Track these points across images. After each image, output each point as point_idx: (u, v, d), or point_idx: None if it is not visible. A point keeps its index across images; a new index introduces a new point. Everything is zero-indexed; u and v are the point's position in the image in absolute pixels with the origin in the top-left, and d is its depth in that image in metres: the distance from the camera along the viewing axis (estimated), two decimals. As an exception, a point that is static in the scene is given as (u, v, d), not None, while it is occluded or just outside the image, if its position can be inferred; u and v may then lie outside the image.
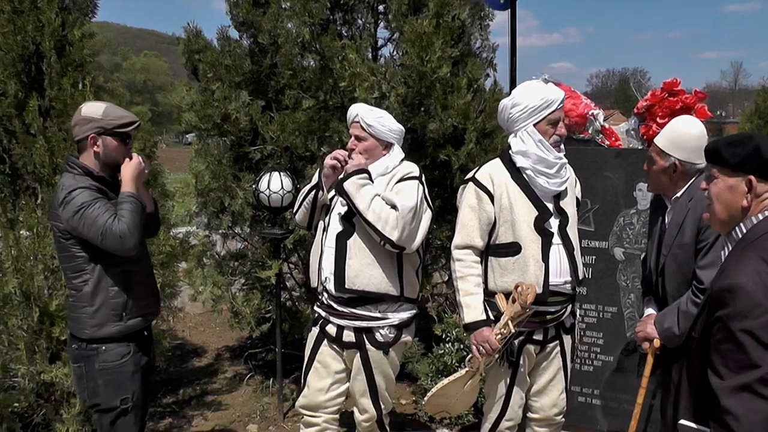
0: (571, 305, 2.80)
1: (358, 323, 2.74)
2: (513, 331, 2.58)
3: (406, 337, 2.83)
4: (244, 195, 4.14)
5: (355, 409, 2.93)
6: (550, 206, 2.66)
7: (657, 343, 2.52)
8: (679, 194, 2.50)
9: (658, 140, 2.53)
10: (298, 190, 3.49)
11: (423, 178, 2.78)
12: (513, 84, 4.63)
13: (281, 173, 3.79)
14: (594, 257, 3.38)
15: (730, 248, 1.68)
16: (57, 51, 3.43)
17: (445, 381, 2.78)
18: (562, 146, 2.68)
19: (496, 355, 2.65)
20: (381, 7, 4.30)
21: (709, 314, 1.57)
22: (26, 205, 3.39)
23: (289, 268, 4.69)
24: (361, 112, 2.78)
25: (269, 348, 4.75)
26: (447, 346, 4.06)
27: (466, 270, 2.67)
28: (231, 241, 4.84)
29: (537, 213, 2.62)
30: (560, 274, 2.64)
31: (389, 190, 2.72)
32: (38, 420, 3.50)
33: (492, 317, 2.64)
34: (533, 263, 2.60)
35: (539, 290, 2.56)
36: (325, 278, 2.77)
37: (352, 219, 2.70)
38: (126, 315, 2.50)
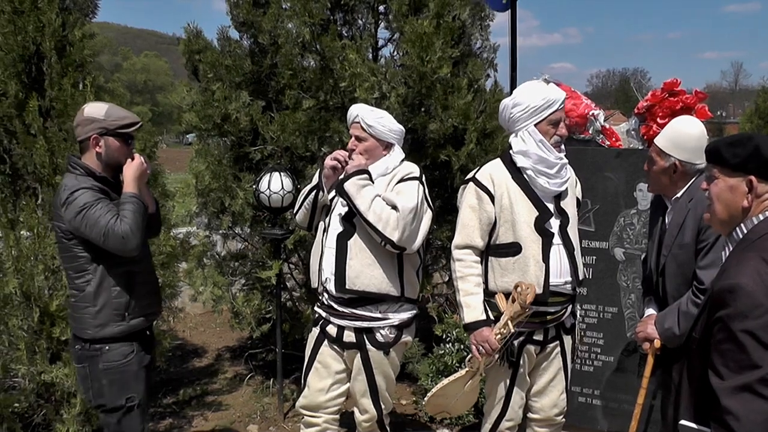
0: (571, 305, 2.80)
1: (358, 323, 2.74)
2: (513, 330, 2.58)
3: (407, 338, 2.84)
4: (245, 195, 4.14)
5: (356, 410, 2.93)
6: (551, 206, 2.66)
7: (657, 343, 2.52)
8: (679, 194, 2.50)
9: (659, 140, 2.53)
10: (298, 191, 3.49)
11: (423, 179, 2.78)
12: (513, 84, 4.62)
13: (281, 173, 3.79)
14: (594, 257, 3.38)
15: (731, 248, 1.68)
16: (57, 51, 3.43)
17: (446, 381, 2.78)
18: (563, 146, 2.68)
19: (496, 355, 2.65)
20: (381, 8, 4.30)
21: (710, 314, 1.57)
22: (27, 206, 3.39)
23: (290, 269, 4.69)
24: (361, 112, 2.78)
25: (269, 348, 4.75)
26: (447, 346, 4.06)
27: (466, 270, 2.67)
28: (231, 241, 4.83)
29: (537, 213, 2.62)
30: (560, 275, 2.64)
31: (390, 190, 2.72)
32: (38, 420, 3.49)
33: (492, 317, 2.64)
34: (533, 263, 2.60)
35: (539, 290, 2.56)
36: (326, 279, 2.76)
37: (353, 219, 2.70)
38: (128, 315, 2.50)
